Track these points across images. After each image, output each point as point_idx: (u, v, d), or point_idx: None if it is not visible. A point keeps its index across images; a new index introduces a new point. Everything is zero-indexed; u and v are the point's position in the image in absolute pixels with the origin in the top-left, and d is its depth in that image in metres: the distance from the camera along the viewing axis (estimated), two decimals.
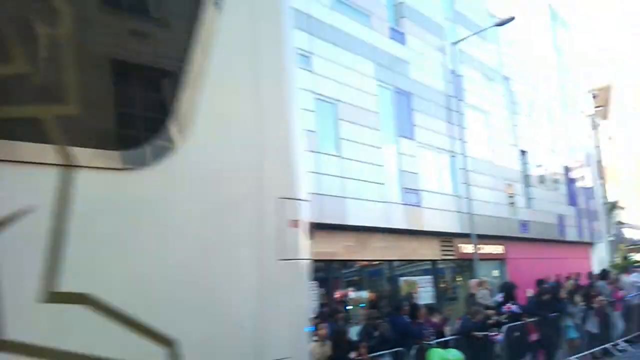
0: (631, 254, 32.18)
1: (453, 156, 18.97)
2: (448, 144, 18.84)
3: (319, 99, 13.98)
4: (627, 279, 16.88)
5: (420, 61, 18.07)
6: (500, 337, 11.31)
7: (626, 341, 14.57)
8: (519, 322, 12.36)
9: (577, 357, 13.04)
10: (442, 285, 17.88)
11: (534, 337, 12.58)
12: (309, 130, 13.40)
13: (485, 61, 22.07)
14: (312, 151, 13.41)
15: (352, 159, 14.51)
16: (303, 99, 13.44)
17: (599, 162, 33.99)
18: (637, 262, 23.29)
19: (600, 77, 40.47)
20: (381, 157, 15.61)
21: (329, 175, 13.72)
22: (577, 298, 14.03)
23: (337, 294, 13.79)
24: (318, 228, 11.40)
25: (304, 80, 13.50)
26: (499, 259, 20.61)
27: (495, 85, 22.51)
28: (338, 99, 14.52)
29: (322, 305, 12.89)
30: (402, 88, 17.11)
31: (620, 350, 13.95)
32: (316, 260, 13.20)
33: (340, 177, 14.07)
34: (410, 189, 16.44)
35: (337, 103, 14.50)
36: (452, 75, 19.40)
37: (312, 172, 13.29)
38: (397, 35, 17.20)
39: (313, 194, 13.10)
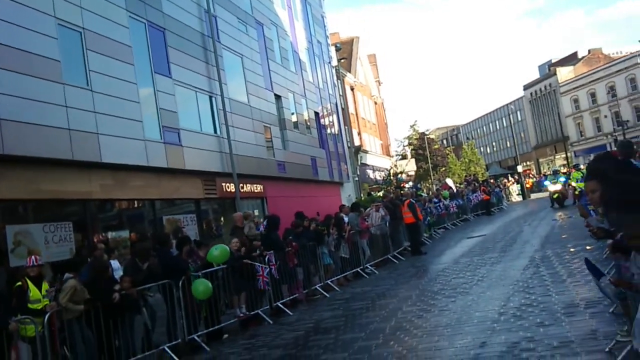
0: (373, 191, 35.88)
1: (212, 97, 18.81)
2: (207, 84, 18.57)
3: (61, 24, 12.57)
4: (376, 213, 18.20)
5: None
6: (266, 279, 11.50)
7: (373, 265, 16.14)
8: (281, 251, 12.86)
9: (332, 280, 14.09)
10: (206, 224, 17.83)
11: (291, 264, 13.21)
12: (52, 59, 12.03)
13: (239, 4, 22.13)
14: (57, 82, 12.09)
15: (105, 94, 13.42)
16: (42, 24, 12.00)
17: (344, 109, 36.88)
18: (380, 197, 25.85)
19: (344, 30, 43.53)
20: (137, 94, 14.74)
21: (79, 109, 12.52)
22: (331, 229, 15.03)
23: (96, 237, 12.84)
24: (70, 165, 10.47)
25: (41, 2, 12.04)
26: (259, 198, 21.26)
27: (250, 29, 22.76)
28: (85, 27, 13.23)
29: (79, 249, 11.98)
30: (156, 23, 16.28)
31: (368, 273, 15.37)
32: (69, 201, 12.24)
33: (93, 112, 12.95)
34: (170, 127, 15.89)
35: (84, 31, 13.20)
36: (206, 14, 19.06)
37: (59, 105, 12.03)
38: None
39: (60, 128, 11.92)
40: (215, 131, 18.64)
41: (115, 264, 10.82)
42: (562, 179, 27.58)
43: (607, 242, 5.75)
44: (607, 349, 5.64)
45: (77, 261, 9.83)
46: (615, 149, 8.02)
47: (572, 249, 13.09)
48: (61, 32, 12.54)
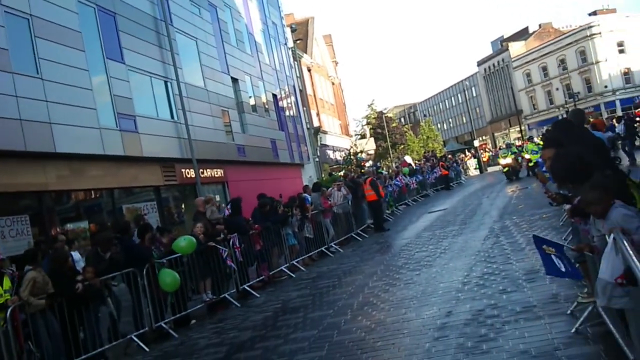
0: (334, 172, 35.99)
1: (167, 82, 18.48)
2: (161, 69, 18.23)
3: (8, 12, 12.12)
4: (338, 192, 18.19)
5: None
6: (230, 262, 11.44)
7: (337, 244, 16.24)
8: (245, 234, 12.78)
9: (297, 261, 14.12)
10: (167, 211, 17.63)
11: (258, 246, 13.15)
12: None
13: None
14: (6, 71, 11.69)
15: (56, 82, 13.05)
16: None
17: (302, 91, 36.74)
18: (341, 177, 25.86)
19: (299, 10, 43.27)
20: (90, 81, 14.37)
21: (30, 99, 12.15)
22: (294, 210, 14.98)
23: (54, 230, 12.55)
24: (23, 157, 10.17)
25: None
26: (220, 182, 21.10)
27: (203, 11, 22.38)
28: (32, 14, 12.79)
29: (37, 242, 11.66)
30: (106, 7, 15.85)
31: (332, 252, 15.46)
32: (24, 193, 11.87)
33: (45, 101, 12.58)
34: (126, 114, 15.57)
35: (32, 18, 12.77)
36: None
37: (9, 95, 11.65)
38: None
39: (11, 119, 11.56)
40: (172, 117, 18.37)
41: (76, 255, 10.61)
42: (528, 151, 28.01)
43: (565, 208, 5.92)
44: (568, 311, 5.83)
45: (33, 252, 9.46)
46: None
47: (530, 218, 13.44)
48: (8, 19, 12.13)
